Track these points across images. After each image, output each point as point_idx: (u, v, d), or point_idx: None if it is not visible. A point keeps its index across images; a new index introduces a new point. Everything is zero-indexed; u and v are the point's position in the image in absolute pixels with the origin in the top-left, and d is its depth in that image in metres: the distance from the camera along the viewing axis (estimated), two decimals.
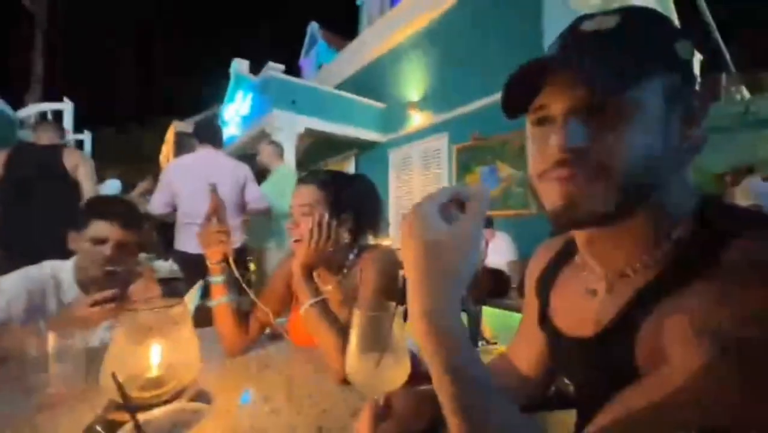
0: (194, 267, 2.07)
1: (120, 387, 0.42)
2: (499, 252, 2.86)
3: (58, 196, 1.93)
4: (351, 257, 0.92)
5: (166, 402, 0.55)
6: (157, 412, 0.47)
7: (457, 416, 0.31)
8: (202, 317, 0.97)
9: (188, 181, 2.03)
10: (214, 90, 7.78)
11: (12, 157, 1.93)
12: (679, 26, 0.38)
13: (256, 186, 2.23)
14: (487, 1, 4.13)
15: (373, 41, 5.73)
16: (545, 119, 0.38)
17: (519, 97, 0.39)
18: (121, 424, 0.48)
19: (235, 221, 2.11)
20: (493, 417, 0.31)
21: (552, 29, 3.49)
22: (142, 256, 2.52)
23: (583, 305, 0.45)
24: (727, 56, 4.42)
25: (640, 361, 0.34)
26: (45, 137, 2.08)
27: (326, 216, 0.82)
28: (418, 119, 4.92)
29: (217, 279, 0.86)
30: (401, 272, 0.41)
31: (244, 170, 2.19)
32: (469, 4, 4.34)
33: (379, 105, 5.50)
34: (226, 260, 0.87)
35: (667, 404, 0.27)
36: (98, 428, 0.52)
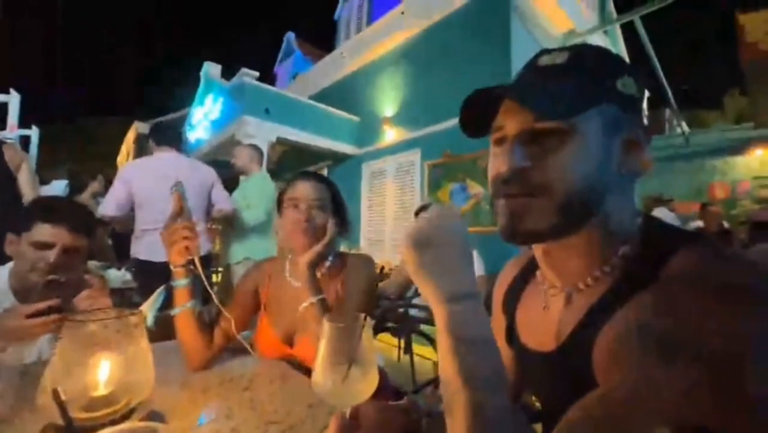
0: (151, 276, 1.94)
1: (62, 406, 0.38)
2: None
3: (3, 195, 1.75)
4: (330, 258, 0.91)
5: (114, 423, 0.51)
6: None
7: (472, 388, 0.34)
8: (161, 330, 0.91)
9: (148, 183, 1.91)
10: (183, 93, 7.49)
11: None
12: (626, 64, 0.42)
13: (222, 188, 2.15)
14: (459, 28, 4.34)
15: (350, 56, 5.81)
16: (502, 140, 0.42)
17: (478, 119, 0.43)
18: None
19: (200, 226, 2.01)
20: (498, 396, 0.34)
21: (518, 56, 3.72)
22: (93, 264, 2.33)
23: (545, 319, 0.47)
24: (670, 93, 4.91)
25: (597, 371, 0.36)
26: None
27: (330, 215, 0.87)
28: (392, 134, 5.00)
29: (180, 283, 0.80)
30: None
31: (210, 173, 2.12)
32: (443, 29, 4.54)
33: (354, 118, 5.54)
34: (191, 262, 0.81)
35: (621, 409, 0.29)
36: None
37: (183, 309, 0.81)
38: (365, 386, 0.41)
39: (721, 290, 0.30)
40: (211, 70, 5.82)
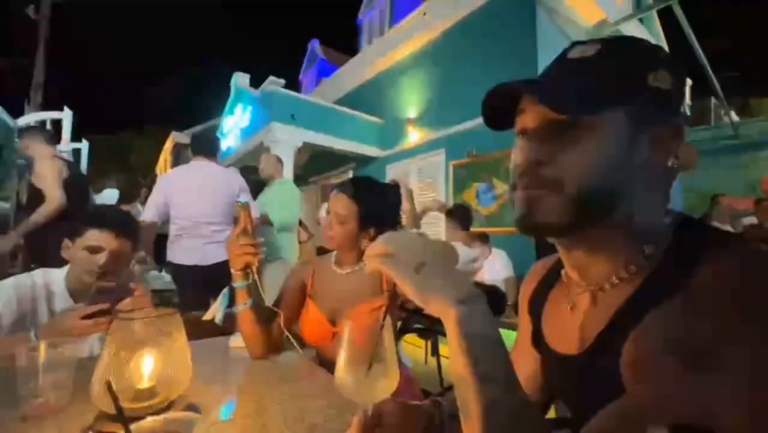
0: (186, 278, 2.06)
1: (114, 396, 0.42)
2: (494, 269, 2.87)
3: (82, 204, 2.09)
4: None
5: (156, 413, 0.55)
6: (147, 422, 0.47)
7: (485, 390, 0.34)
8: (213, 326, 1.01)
9: (182, 191, 2.04)
10: (216, 102, 7.86)
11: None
12: (662, 56, 0.40)
13: (248, 197, 2.24)
14: (483, 25, 4.27)
15: (373, 58, 5.87)
16: (524, 131, 0.41)
17: (500, 112, 0.43)
18: None
19: (228, 232, 2.11)
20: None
21: (545, 51, 3.60)
22: (136, 267, 2.50)
23: (570, 322, 0.45)
24: (716, 81, 4.56)
25: (624, 377, 0.35)
26: (36, 149, 2.10)
27: (355, 228, 0.98)
28: (416, 136, 4.99)
29: (240, 284, 0.91)
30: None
31: (238, 181, 2.21)
32: (466, 28, 4.49)
33: (378, 121, 5.59)
34: (248, 267, 0.91)
35: (644, 418, 0.28)
36: (96, 430, 0.51)
37: (244, 307, 0.91)
38: (386, 384, 0.42)
39: (758, 302, 0.28)
40: (239, 79, 6.07)
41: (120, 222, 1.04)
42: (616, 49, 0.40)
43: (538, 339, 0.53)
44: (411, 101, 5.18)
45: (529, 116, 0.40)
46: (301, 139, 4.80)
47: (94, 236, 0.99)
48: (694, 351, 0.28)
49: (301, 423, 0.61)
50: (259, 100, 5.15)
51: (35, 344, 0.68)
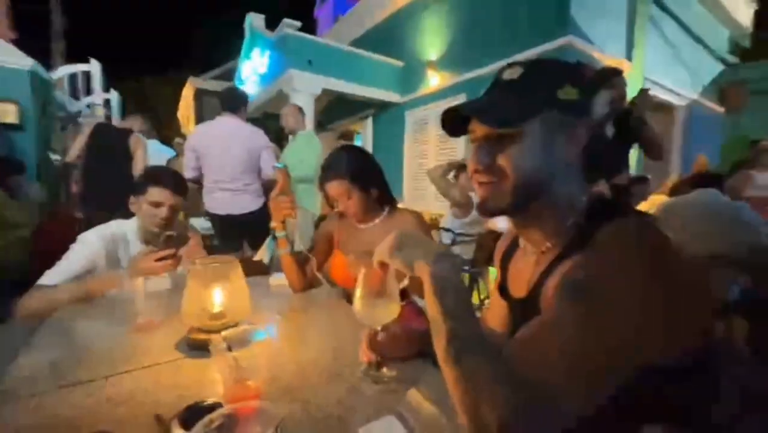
0: (220, 225, 2.34)
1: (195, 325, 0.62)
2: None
3: (122, 166, 2.56)
4: (384, 213, 1.20)
5: (226, 329, 0.77)
6: (223, 333, 0.68)
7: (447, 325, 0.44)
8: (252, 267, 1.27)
9: (210, 148, 2.22)
10: (232, 44, 7.64)
11: (96, 131, 2.64)
12: (571, 73, 0.51)
13: (270, 155, 2.38)
14: None
15: None
16: (476, 139, 0.55)
17: (456, 125, 0.57)
18: (202, 341, 0.70)
19: (255, 185, 2.31)
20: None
21: None
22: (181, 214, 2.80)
23: (523, 274, 0.61)
24: None
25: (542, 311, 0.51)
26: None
27: (360, 193, 1.11)
28: (436, 80, 4.82)
29: (280, 234, 1.15)
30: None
31: (263, 140, 2.35)
32: None
33: (398, 63, 5.37)
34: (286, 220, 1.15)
35: (531, 343, 0.43)
36: (191, 337, 0.74)
37: (284, 252, 1.15)
38: (387, 313, 0.62)
39: (622, 251, 0.42)
40: (254, 21, 5.84)
41: (175, 181, 1.24)
42: (533, 71, 0.52)
43: (503, 288, 0.69)
44: (432, 42, 4.90)
45: (478, 129, 0.54)
46: (319, 86, 4.74)
47: (155, 193, 1.20)
48: (573, 286, 0.43)
49: (333, 337, 0.83)
50: (275, 44, 5.02)
51: (125, 279, 0.91)
